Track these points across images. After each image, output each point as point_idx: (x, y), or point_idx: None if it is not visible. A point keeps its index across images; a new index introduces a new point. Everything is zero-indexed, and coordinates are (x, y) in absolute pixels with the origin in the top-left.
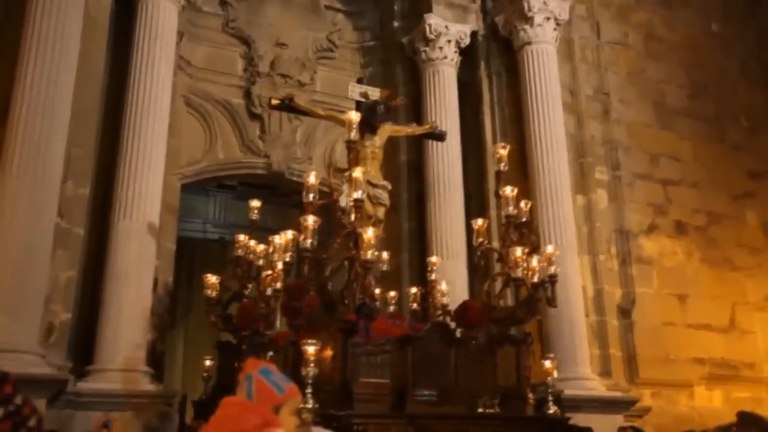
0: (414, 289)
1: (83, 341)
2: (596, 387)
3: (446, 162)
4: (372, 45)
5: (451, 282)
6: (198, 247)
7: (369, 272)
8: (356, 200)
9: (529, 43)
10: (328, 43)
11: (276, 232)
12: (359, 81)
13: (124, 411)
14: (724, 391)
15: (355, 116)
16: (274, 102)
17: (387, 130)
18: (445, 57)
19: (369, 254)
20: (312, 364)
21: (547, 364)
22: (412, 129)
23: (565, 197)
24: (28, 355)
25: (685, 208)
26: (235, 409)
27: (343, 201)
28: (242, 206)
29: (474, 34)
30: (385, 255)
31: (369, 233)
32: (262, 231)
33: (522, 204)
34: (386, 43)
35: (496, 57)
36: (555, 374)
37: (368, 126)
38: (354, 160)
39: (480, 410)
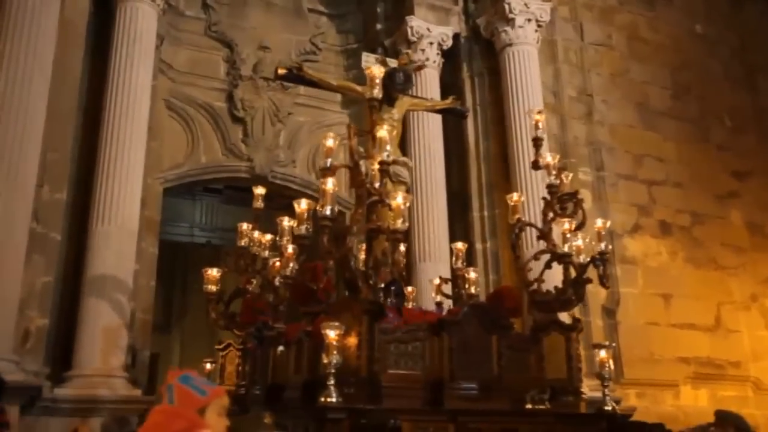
0: (437, 280)
1: (62, 347)
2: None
3: (429, 163)
4: (355, 48)
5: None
6: (191, 252)
7: (398, 244)
8: (382, 162)
9: (510, 45)
10: (311, 46)
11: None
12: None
13: (102, 417)
14: (710, 390)
15: (378, 71)
16: (281, 71)
17: (406, 102)
18: (428, 59)
19: (399, 223)
20: (335, 352)
21: (602, 353)
22: (432, 103)
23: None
24: (0, 361)
25: (669, 208)
26: (160, 417)
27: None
28: (228, 210)
29: (456, 36)
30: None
31: (398, 200)
32: None
33: (563, 176)
34: (369, 45)
35: (479, 59)
36: (611, 365)
37: (386, 96)
38: (377, 120)
39: (528, 406)
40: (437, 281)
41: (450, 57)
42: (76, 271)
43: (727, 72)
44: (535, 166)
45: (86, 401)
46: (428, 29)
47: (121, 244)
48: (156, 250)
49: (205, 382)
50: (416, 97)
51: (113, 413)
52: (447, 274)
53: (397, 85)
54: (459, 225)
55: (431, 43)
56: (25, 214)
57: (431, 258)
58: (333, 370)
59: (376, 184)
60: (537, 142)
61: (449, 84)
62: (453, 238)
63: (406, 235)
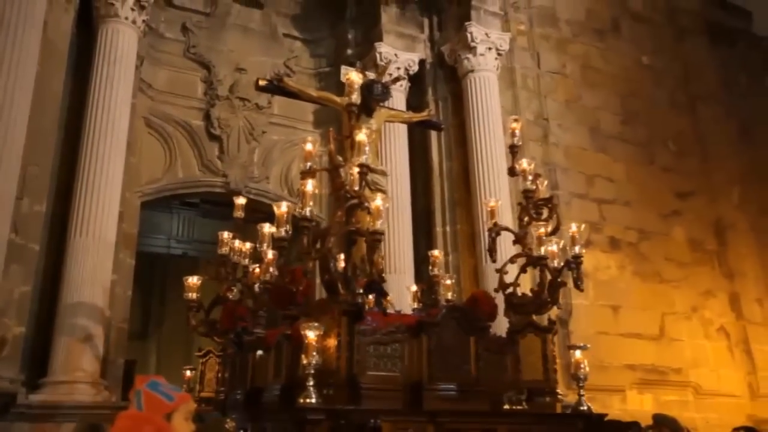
0: (414, 287)
1: (38, 354)
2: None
3: (395, 180)
4: (327, 71)
5: (399, 297)
6: (169, 262)
7: (378, 245)
8: (362, 165)
9: (472, 71)
10: (285, 68)
11: None
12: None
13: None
14: (654, 395)
15: (356, 77)
16: (262, 83)
17: (384, 114)
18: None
19: (378, 224)
20: (314, 353)
21: (578, 354)
22: (410, 115)
23: (506, 215)
24: None
25: (618, 225)
26: (128, 422)
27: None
28: (205, 223)
29: (422, 62)
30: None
31: (377, 201)
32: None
33: (538, 182)
34: (340, 69)
35: (443, 83)
36: (586, 367)
37: (364, 107)
38: (355, 127)
39: (506, 407)
40: (414, 288)
41: (416, 81)
42: (54, 281)
43: (672, 100)
44: (512, 172)
45: (61, 407)
46: (396, 55)
47: (98, 256)
48: (133, 261)
49: (173, 387)
50: (393, 109)
51: (88, 419)
52: (412, 286)
53: (375, 95)
54: (423, 239)
55: (398, 68)
56: (4, 226)
57: (397, 270)
58: (312, 372)
59: (355, 188)
60: (513, 149)
61: (415, 107)
62: (417, 252)
63: None
